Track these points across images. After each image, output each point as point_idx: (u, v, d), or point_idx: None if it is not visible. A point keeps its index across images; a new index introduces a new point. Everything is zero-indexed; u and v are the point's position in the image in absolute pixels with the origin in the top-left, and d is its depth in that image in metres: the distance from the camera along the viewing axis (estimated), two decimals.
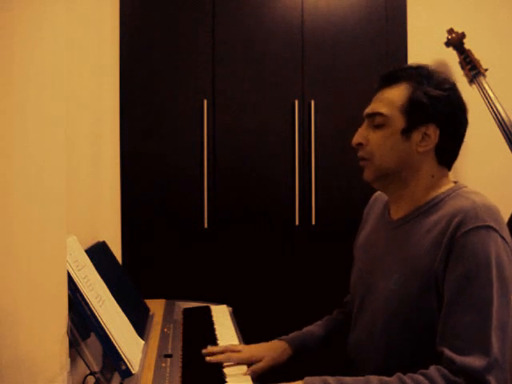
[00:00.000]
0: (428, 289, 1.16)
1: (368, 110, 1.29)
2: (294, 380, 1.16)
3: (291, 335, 1.46)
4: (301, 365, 1.43)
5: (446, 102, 1.23)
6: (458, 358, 1.07)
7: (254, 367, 1.33)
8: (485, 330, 1.07)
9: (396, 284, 1.22)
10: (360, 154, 1.29)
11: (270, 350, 1.39)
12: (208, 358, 1.33)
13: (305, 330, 1.49)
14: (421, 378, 1.08)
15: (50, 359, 1.04)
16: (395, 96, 1.24)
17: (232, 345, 1.43)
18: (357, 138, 1.29)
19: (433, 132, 1.23)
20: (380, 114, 1.25)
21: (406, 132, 1.23)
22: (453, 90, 1.25)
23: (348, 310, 1.47)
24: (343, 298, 1.55)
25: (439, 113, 1.23)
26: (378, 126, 1.26)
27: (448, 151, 1.27)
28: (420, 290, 1.17)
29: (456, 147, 1.28)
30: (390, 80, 1.27)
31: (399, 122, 1.23)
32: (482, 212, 1.14)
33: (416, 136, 1.23)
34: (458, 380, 1.06)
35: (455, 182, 1.29)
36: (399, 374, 1.11)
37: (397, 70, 1.29)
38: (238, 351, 1.37)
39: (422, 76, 1.25)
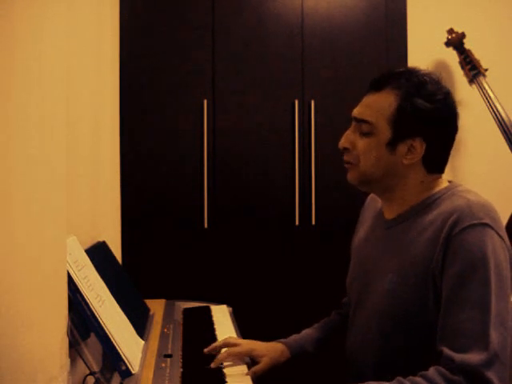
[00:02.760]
0: (424, 288, 1.16)
1: (356, 114, 1.26)
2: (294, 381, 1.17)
3: (290, 338, 1.46)
4: (301, 366, 1.43)
5: (434, 116, 1.20)
6: (457, 356, 1.06)
7: (254, 369, 1.33)
8: (483, 325, 1.07)
9: (391, 283, 1.22)
10: (346, 158, 1.28)
11: (270, 349, 1.39)
12: (213, 365, 1.33)
13: (303, 332, 1.49)
14: (420, 380, 1.08)
15: (49, 359, 1.04)
16: (383, 105, 1.21)
17: (231, 337, 1.45)
18: (343, 143, 1.27)
19: (419, 145, 1.21)
20: (367, 122, 1.23)
21: (392, 144, 1.21)
22: (444, 100, 1.22)
23: (345, 311, 1.47)
24: (342, 299, 1.55)
25: (426, 127, 1.20)
26: (364, 134, 1.24)
27: (436, 161, 1.25)
28: (416, 289, 1.17)
29: (444, 155, 1.26)
30: (379, 84, 1.24)
31: (385, 133, 1.21)
32: (477, 210, 1.14)
33: (401, 148, 1.21)
34: (458, 378, 1.05)
35: (450, 182, 1.28)
36: (399, 378, 1.10)
37: (388, 74, 1.25)
38: (238, 345, 1.38)
39: (413, 85, 1.21)
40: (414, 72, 1.24)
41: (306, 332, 1.49)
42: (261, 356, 1.37)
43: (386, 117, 1.21)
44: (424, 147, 1.21)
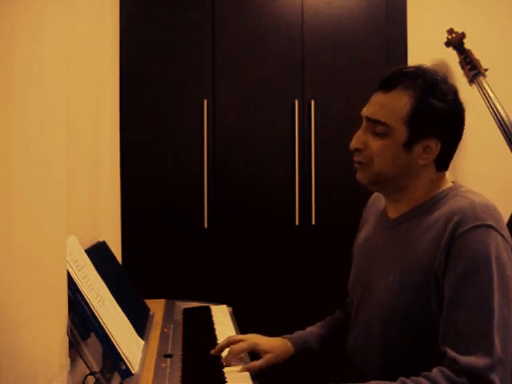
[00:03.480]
0: (427, 288, 1.16)
1: (368, 114, 1.24)
2: (296, 381, 1.16)
3: (294, 335, 1.45)
4: (303, 364, 1.43)
5: (449, 116, 1.21)
6: (462, 358, 1.06)
7: (249, 366, 1.31)
8: (487, 328, 1.07)
9: (394, 283, 1.21)
10: (357, 158, 1.26)
11: (275, 346, 1.37)
12: (227, 369, 1.32)
13: (307, 330, 1.48)
14: (424, 380, 1.08)
15: (49, 359, 1.04)
16: (398, 105, 1.20)
17: (234, 335, 1.45)
18: (355, 143, 1.26)
19: (434, 145, 1.21)
20: (383, 124, 1.21)
21: (408, 145, 1.21)
22: (455, 100, 1.23)
23: (349, 310, 1.47)
24: (344, 299, 1.55)
25: (441, 127, 1.21)
26: (378, 134, 1.22)
27: (447, 159, 1.26)
28: (418, 290, 1.17)
29: (454, 152, 1.27)
30: (390, 84, 1.22)
31: (402, 135, 1.20)
32: (481, 211, 1.14)
33: (417, 149, 1.21)
34: (462, 380, 1.05)
35: (453, 182, 1.28)
36: (402, 378, 1.10)
37: (399, 73, 1.24)
38: (242, 341, 1.37)
39: (427, 85, 1.20)
40: (425, 71, 1.24)
41: (311, 329, 1.48)
42: (264, 352, 1.35)
43: (401, 118, 1.20)
44: (439, 147, 1.21)
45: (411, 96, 1.20)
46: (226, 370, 1.31)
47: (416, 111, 1.20)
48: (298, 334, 1.46)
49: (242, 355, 1.39)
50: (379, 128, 1.22)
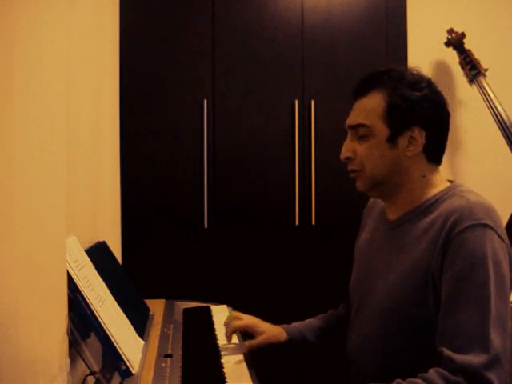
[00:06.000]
0: (425, 289, 1.16)
1: (350, 122, 1.28)
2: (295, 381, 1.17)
3: (290, 324, 1.52)
4: (302, 363, 1.44)
5: (424, 102, 1.22)
6: (458, 357, 1.06)
7: (249, 342, 1.41)
8: (484, 326, 1.07)
9: (394, 284, 1.22)
10: (350, 167, 1.29)
11: (269, 330, 1.48)
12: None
13: (306, 321, 1.54)
14: (420, 381, 1.08)
15: (50, 359, 1.04)
16: (373, 105, 1.24)
17: (236, 313, 1.55)
18: (344, 153, 1.28)
19: (418, 134, 1.22)
20: (362, 125, 1.25)
21: (392, 139, 1.23)
22: (428, 87, 1.24)
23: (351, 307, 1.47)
24: (344, 299, 1.55)
25: (420, 114, 1.22)
26: (362, 137, 1.25)
27: (436, 149, 1.27)
28: (416, 290, 1.17)
29: (443, 142, 1.28)
30: (364, 89, 1.27)
31: (383, 131, 1.23)
32: (477, 210, 1.14)
33: (402, 141, 1.23)
34: (458, 379, 1.05)
35: (451, 181, 1.28)
36: (399, 381, 1.11)
37: (368, 77, 1.28)
38: (242, 319, 1.49)
39: (395, 80, 1.24)
40: (392, 69, 1.28)
41: (309, 320, 1.54)
42: (259, 333, 1.46)
43: (379, 115, 1.23)
44: (424, 135, 1.22)
45: (383, 93, 1.24)
46: (226, 369, 1.31)
47: (391, 105, 1.22)
48: (294, 323, 1.52)
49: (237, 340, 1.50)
50: (361, 131, 1.25)
